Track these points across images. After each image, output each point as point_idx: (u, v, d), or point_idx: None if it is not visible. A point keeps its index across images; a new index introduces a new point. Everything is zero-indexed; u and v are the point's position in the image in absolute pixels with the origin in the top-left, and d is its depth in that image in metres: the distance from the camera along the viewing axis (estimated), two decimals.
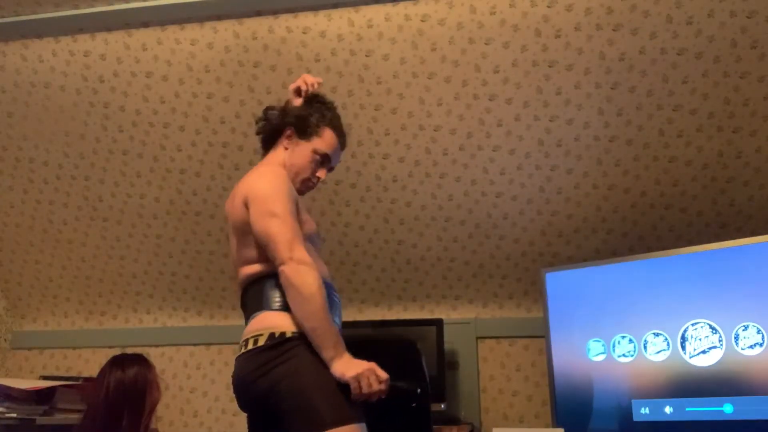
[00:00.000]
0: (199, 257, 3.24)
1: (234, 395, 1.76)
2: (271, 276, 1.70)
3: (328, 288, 1.72)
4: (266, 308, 1.67)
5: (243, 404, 1.70)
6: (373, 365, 1.55)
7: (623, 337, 2.58)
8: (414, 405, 1.72)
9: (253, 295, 1.72)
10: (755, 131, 2.65)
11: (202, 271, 3.27)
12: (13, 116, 3.04)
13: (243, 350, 1.66)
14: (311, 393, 1.52)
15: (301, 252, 1.61)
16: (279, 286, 1.66)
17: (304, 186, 1.90)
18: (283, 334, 1.60)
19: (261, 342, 1.61)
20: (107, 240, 3.28)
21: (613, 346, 2.59)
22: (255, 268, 1.74)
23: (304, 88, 1.96)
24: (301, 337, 1.59)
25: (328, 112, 1.92)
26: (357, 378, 1.52)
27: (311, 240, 1.79)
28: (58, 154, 3.11)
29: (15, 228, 3.34)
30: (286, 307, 1.64)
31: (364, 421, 1.55)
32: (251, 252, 1.74)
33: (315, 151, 1.88)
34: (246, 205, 1.73)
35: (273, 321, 1.63)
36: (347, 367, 1.53)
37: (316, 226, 1.87)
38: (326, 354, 1.55)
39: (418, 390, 1.89)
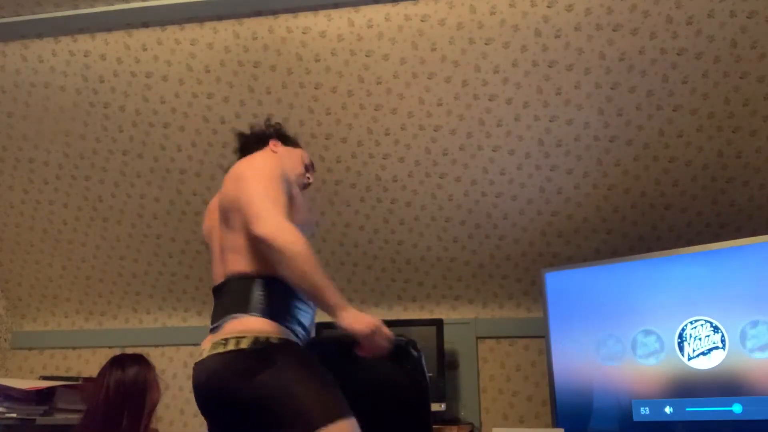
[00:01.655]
0: (199, 257, 3.24)
1: (196, 394, 1.64)
2: (259, 278, 1.67)
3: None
4: (249, 312, 1.62)
5: (210, 406, 1.61)
6: (379, 322, 1.54)
7: (622, 337, 2.58)
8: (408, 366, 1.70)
9: (235, 293, 1.66)
10: (755, 131, 2.65)
11: (202, 271, 3.27)
12: (13, 116, 3.04)
13: (221, 349, 1.57)
14: (298, 394, 1.49)
15: (278, 214, 1.57)
16: (265, 291, 1.65)
17: (298, 181, 2.00)
18: (267, 339, 1.57)
19: (244, 345, 1.55)
20: (107, 240, 3.28)
21: (611, 347, 2.59)
22: (241, 265, 1.68)
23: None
24: (286, 344, 1.59)
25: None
26: (365, 332, 1.52)
27: (302, 230, 1.73)
28: (58, 154, 3.11)
29: (15, 228, 3.34)
30: (270, 314, 1.62)
31: (353, 415, 1.53)
32: (239, 240, 1.69)
33: (303, 160, 2.04)
34: (237, 182, 1.69)
35: (257, 326, 1.60)
36: (355, 319, 1.53)
37: (314, 219, 1.94)
38: (330, 302, 1.53)
39: (414, 350, 1.82)
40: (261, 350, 1.55)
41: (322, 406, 1.49)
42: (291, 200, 1.75)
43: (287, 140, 2.09)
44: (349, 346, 1.74)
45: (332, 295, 1.53)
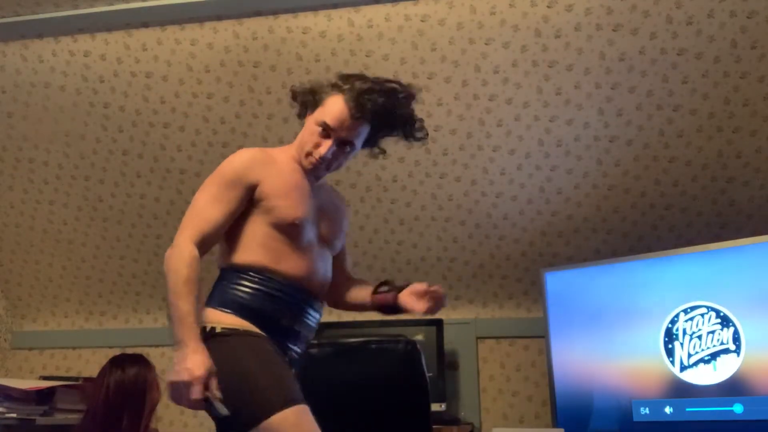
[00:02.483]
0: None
1: None
2: (220, 269, 1.71)
3: (295, 290, 1.64)
4: (209, 304, 1.64)
5: None
6: (196, 378, 1.43)
7: (622, 337, 2.57)
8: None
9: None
10: (755, 131, 2.64)
11: (203, 271, 3.26)
12: (13, 116, 3.04)
13: None
14: (250, 379, 1.49)
15: (182, 236, 1.60)
16: (222, 284, 1.67)
17: (308, 162, 1.70)
18: (213, 329, 1.58)
19: None
20: (107, 240, 3.28)
21: (611, 347, 2.59)
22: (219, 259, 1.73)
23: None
24: (234, 333, 1.57)
25: (346, 83, 1.67)
26: (173, 380, 1.45)
27: (282, 229, 1.64)
28: (58, 154, 3.11)
29: (15, 228, 3.34)
30: (223, 305, 1.63)
31: (305, 402, 1.50)
32: None
33: (315, 122, 1.67)
34: None
35: (209, 317, 1.61)
36: (179, 362, 1.46)
37: (291, 216, 1.65)
38: (177, 336, 1.50)
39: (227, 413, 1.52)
40: (205, 339, 1.54)
41: (278, 390, 1.48)
42: (256, 204, 1.65)
43: (317, 99, 1.71)
44: (349, 347, 1.72)
45: (181, 329, 1.49)
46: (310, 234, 1.69)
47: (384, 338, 2.30)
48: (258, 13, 2.64)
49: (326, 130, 1.66)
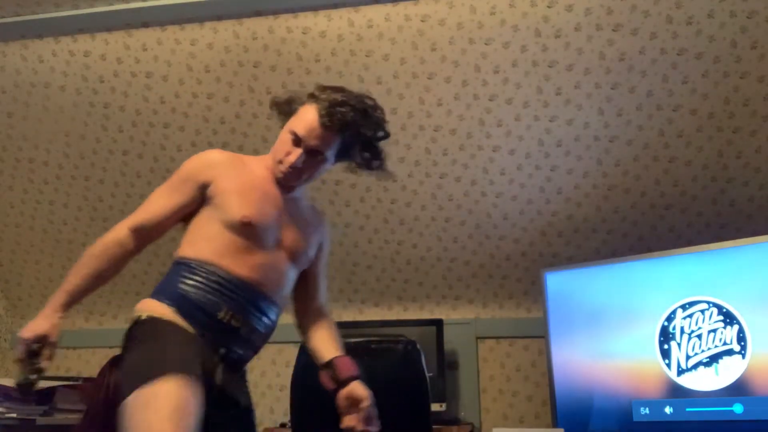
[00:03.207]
0: None
1: None
2: (172, 264, 1.75)
3: (239, 288, 1.63)
4: (152, 295, 1.71)
5: None
6: (20, 337, 1.59)
7: (621, 337, 2.57)
8: None
9: None
10: (755, 131, 2.64)
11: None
12: (13, 116, 3.04)
13: None
14: (142, 354, 1.54)
15: (122, 221, 1.75)
16: (168, 276, 1.72)
17: (279, 171, 1.70)
18: (139, 317, 1.64)
19: (129, 324, 1.67)
20: None
21: (611, 347, 2.59)
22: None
23: None
24: (158, 321, 1.60)
25: (322, 93, 1.68)
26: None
27: (235, 228, 1.64)
28: (58, 154, 3.11)
29: (15, 228, 3.34)
30: (160, 294, 1.68)
31: (182, 373, 1.45)
32: None
33: (287, 131, 1.70)
34: None
35: (145, 306, 1.68)
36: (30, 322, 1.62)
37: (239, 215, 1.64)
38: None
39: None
40: (130, 327, 1.64)
41: (146, 368, 1.48)
42: (209, 201, 1.69)
43: (293, 109, 1.73)
44: (349, 347, 1.73)
45: (56, 293, 1.71)
46: (268, 238, 1.68)
47: (384, 338, 2.30)
48: (258, 13, 2.64)
49: (297, 139, 1.67)
